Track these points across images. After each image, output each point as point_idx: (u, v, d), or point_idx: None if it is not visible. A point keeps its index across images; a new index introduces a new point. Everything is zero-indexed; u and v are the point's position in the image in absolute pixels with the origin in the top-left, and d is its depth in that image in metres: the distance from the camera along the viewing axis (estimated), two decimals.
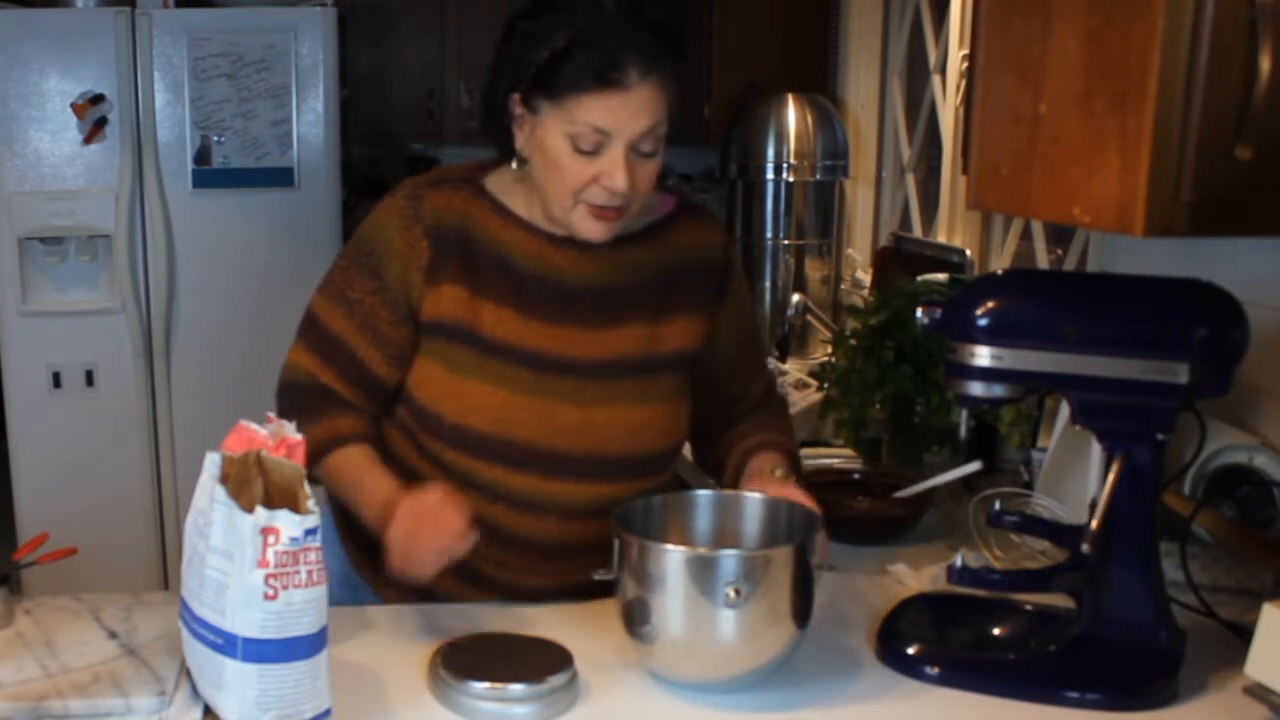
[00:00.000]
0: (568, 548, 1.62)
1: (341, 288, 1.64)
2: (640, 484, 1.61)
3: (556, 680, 1.34)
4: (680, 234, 1.68)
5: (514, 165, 1.59)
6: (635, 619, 1.38)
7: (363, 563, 1.71)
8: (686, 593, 1.34)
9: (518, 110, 1.55)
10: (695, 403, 1.72)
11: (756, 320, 1.81)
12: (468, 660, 1.37)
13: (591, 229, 1.55)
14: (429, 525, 1.44)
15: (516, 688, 1.32)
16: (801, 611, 1.38)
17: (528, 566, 1.59)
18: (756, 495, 1.54)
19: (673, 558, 1.35)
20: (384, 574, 1.55)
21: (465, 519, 1.44)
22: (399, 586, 1.60)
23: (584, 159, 1.50)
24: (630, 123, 1.47)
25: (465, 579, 1.63)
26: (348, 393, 1.63)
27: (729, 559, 1.34)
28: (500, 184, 1.63)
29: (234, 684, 1.21)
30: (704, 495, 1.55)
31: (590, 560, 1.48)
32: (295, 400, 1.63)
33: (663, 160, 1.56)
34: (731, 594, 1.31)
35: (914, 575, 1.71)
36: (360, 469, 1.58)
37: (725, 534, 1.52)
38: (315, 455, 1.53)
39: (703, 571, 1.33)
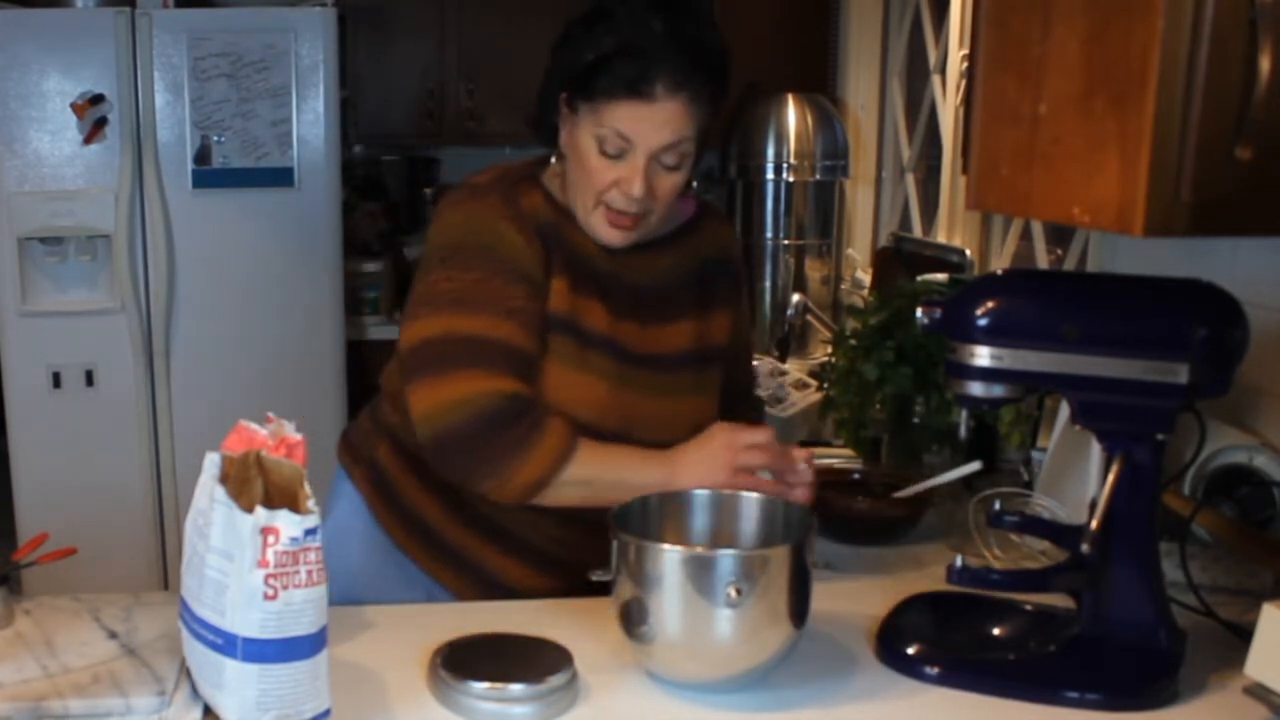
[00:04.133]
0: None
1: (496, 300, 1.57)
2: None
3: (556, 680, 1.34)
4: (704, 235, 1.77)
5: (553, 160, 1.67)
6: (633, 619, 1.38)
7: (413, 546, 1.73)
8: (684, 592, 1.34)
9: (563, 110, 1.61)
10: None
11: (750, 323, 1.90)
12: (468, 660, 1.37)
13: (608, 233, 1.62)
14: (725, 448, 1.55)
15: (516, 688, 1.32)
16: (799, 611, 1.38)
17: (598, 548, 1.60)
18: (753, 495, 1.55)
19: (671, 557, 1.35)
20: (439, 554, 1.68)
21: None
22: (459, 568, 1.69)
23: (608, 162, 1.57)
24: (653, 134, 1.54)
25: (531, 563, 1.69)
26: (535, 395, 1.58)
27: (727, 558, 1.34)
28: (554, 183, 1.69)
29: (234, 684, 1.21)
30: (700, 495, 1.55)
31: None
32: (506, 425, 1.52)
33: (687, 176, 1.62)
34: (733, 593, 1.31)
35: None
36: (618, 451, 1.57)
37: (722, 533, 1.53)
38: (563, 459, 1.52)
39: (701, 571, 1.33)
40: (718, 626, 1.34)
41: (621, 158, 1.56)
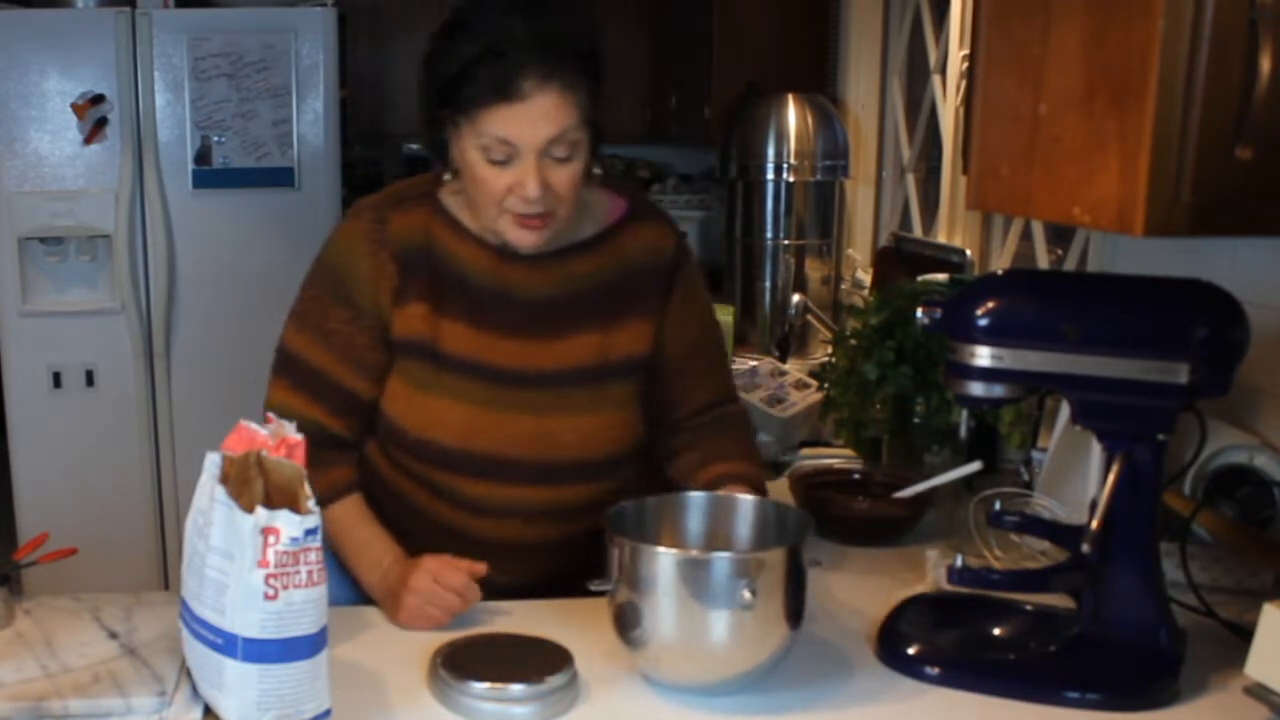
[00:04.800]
0: (528, 547, 1.67)
1: (317, 320, 1.65)
2: (597, 486, 1.66)
3: (556, 680, 1.34)
4: (630, 238, 1.70)
5: (447, 176, 1.64)
6: (628, 622, 1.38)
7: None
8: (680, 596, 1.33)
9: (447, 126, 1.58)
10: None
11: (711, 328, 1.81)
12: (467, 660, 1.37)
13: (519, 237, 1.59)
14: (440, 591, 1.52)
15: (516, 688, 1.32)
16: (795, 612, 1.38)
17: (492, 566, 1.59)
18: (749, 497, 1.55)
19: (667, 560, 1.34)
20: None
21: (471, 581, 1.53)
22: None
23: (498, 169, 1.54)
24: (533, 132, 1.50)
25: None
26: (340, 425, 1.65)
27: (722, 561, 1.34)
28: (453, 199, 1.67)
29: (234, 684, 1.21)
30: (696, 497, 1.55)
31: (550, 558, 1.58)
32: None
33: (585, 163, 1.58)
34: (747, 595, 1.31)
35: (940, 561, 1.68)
36: (362, 533, 1.63)
37: (717, 535, 1.53)
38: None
39: (700, 574, 1.33)
40: (715, 630, 1.34)
41: (510, 162, 1.52)
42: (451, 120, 1.56)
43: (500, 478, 1.63)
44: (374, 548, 1.61)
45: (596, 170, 1.64)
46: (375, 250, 1.62)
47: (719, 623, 1.34)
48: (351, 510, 1.64)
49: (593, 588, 1.41)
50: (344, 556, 1.63)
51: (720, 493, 1.58)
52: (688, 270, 1.75)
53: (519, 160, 1.52)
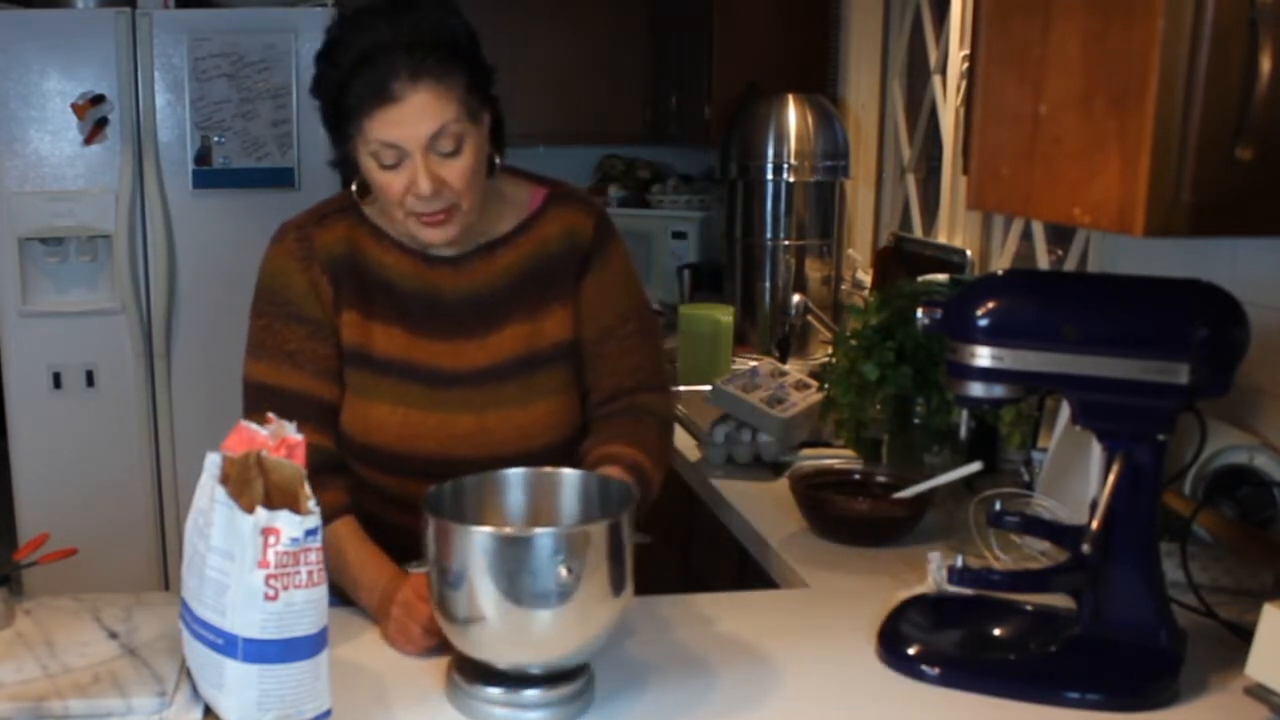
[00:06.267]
0: None
1: (277, 346, 1.66)
2: None
3: (570, 687, 1.33)
4: (548, 225, 1.71)
5: (353, 189, 1.66)
6: (444, 605, 1.31)
7: None
8: (495, 577, 1.26)
9: (348, 141, 1.59)
10: None
11: (631, 311, 1.73)
12: (482, 665, 1.36)
13: (429, 235, 1.60)
14: (421, 608, 1.45)
15: (530, 693, 1.32)
16: (618, 587, 1.31)
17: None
18: (571, 471, 1.48)
19: (482, 539, 1.27)
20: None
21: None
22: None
23: (391, 173, 1.56)
24: (414, 130, 1.52)
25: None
26: (327, 440, 1.65)
27: (542, 538, 1.27)
28: (374, 209, 1.69)
29: (234, 684, 1.21)
30: (515, 474, 1.47)
31: None
32: None
33: (479, 155, 1.58)
34: (563, 573, 1.25)
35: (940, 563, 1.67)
36: (355, 555, 1.58)
37: (540, 511, 1.45)
38: None
39: (521, 552, 1.26)
40: (532, 612, 1.27)
41: (399, 165, 1.54)
42: (348, 135, 1.57)
43: (446, 477, 1.61)
44: (369, 569, 1.57)
45: (496, 161, 1.65)
46: (307, 266, 1.66)
47: (536, 603, 1.26)
48: (348, 537, 1.60)
49: (410, 570, 1.38)
50: (340, 580, 1.57)
51: (544, 469, 1.50)
52: (607, 251, 1.72)
53: (408, 161, 1.54)
